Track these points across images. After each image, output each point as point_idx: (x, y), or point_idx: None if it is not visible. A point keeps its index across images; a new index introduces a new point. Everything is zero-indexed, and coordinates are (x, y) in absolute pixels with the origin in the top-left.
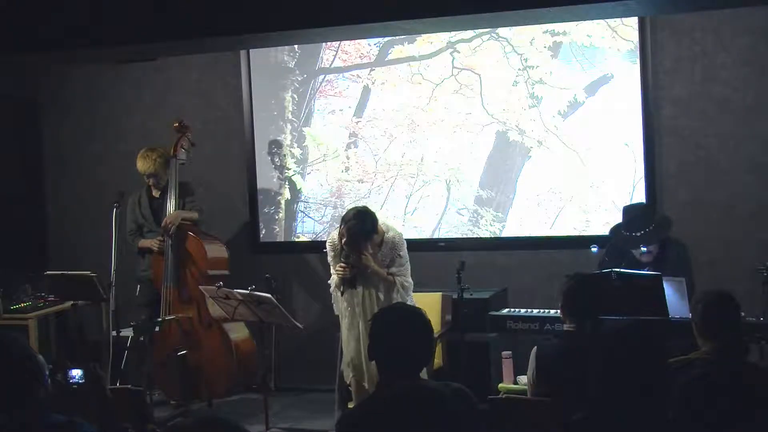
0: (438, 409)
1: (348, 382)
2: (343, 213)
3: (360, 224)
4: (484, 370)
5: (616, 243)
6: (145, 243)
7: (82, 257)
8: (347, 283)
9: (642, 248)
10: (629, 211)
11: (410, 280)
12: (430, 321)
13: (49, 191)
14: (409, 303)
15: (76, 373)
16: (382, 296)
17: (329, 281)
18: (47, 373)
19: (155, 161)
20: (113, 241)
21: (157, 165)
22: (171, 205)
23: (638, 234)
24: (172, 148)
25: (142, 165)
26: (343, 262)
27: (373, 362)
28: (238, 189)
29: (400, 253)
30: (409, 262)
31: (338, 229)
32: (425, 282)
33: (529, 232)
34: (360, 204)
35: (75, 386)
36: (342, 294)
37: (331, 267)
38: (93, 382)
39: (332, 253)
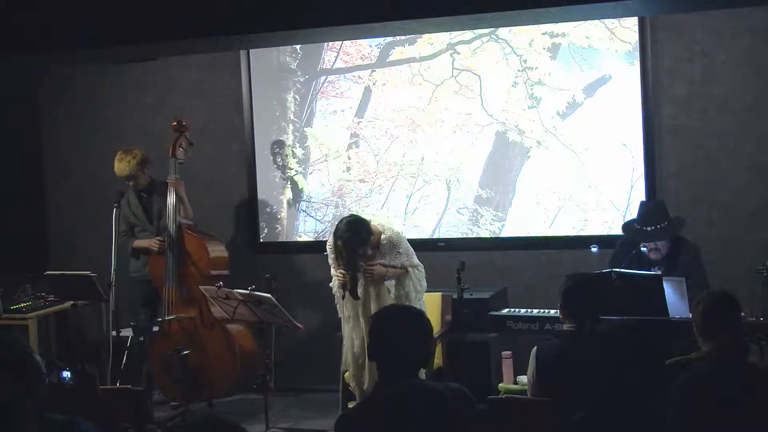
0: (438, 410)
1: (349, 384)
2: (334, 227)
3: (354, 235)
4: (484, 370)
5: (627, 236)
6: (142, 243)
7: (82, 257)
8: (349, 292)
9: (642, 248)
10: (645, 205)
11: (418, 261)
12: (429, 321)
13: (49, 191)
14: (423, 285)
15: (66, 374)
16: (392, 289)
17: (330, 284)
18: (45, 372)
19: (129, 163)
20: (113, 241)
21: (131, 167)
22: (170, 201)
23: (650, 229)
24: (170, 148)
25: (117, 168)
26: (342, 269)
27: (374, 365)
28: (238, 189)
29: (399, 250)
30: (411, 249)
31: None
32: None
33: (529, 231)
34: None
35: (68, 386)
36: (343, 297)
37: (332, 269)
38: (82, 382)
39: (332, 255)
